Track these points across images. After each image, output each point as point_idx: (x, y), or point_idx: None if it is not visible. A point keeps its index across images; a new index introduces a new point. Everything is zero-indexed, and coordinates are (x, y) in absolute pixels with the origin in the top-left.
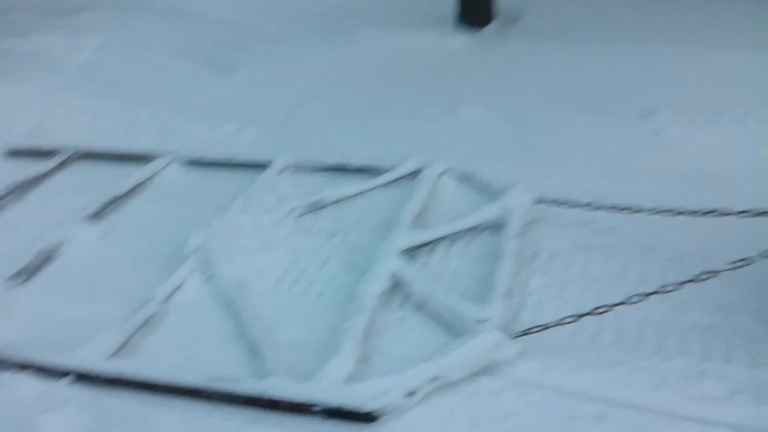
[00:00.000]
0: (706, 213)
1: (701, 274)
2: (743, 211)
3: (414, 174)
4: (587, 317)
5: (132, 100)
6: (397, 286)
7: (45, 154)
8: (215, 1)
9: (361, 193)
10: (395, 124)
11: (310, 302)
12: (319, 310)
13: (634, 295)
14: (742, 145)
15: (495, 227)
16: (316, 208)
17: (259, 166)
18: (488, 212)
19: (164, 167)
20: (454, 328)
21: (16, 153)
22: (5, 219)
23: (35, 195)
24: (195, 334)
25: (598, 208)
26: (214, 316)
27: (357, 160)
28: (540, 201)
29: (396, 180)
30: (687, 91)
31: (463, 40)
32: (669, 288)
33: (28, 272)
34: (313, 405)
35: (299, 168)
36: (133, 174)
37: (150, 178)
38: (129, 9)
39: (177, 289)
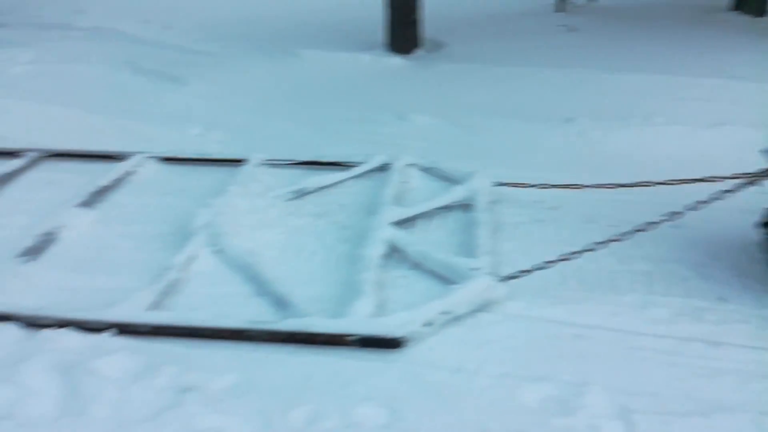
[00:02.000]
0: (635, 184)
1: (644, 224)
2: (663, 183)
3: (382, 167)
4: (555, 267)
5: (84, 107)
6: (392, 250)
7: (7, 154)
8: (138, 24)
9: (337, 183)
10: (352, 128)
11: (316, 267)
12: (325, 273)
13: (598, 243)
14: (648, 140)
15: (463, 206)
16: (301, 194)
17: (235, 162)
18: (457, 193)
19: (141, 164)
20: (449, 280)
21: None
22: None
23: (11, 189)
24: (218, 294)
25: (549, 187)
26: (233, 281)
27: (325, 157)
28: (498, 184)
29: (367, 172)
30: (597, 102)
31: (398, 61)
32: (622, 238)
33: (34, 251)
34: (349, 335)
35: (274, 163)
36: (109, 170)
37: (129, 173)
38: (47, 28)
39: (191, 259)
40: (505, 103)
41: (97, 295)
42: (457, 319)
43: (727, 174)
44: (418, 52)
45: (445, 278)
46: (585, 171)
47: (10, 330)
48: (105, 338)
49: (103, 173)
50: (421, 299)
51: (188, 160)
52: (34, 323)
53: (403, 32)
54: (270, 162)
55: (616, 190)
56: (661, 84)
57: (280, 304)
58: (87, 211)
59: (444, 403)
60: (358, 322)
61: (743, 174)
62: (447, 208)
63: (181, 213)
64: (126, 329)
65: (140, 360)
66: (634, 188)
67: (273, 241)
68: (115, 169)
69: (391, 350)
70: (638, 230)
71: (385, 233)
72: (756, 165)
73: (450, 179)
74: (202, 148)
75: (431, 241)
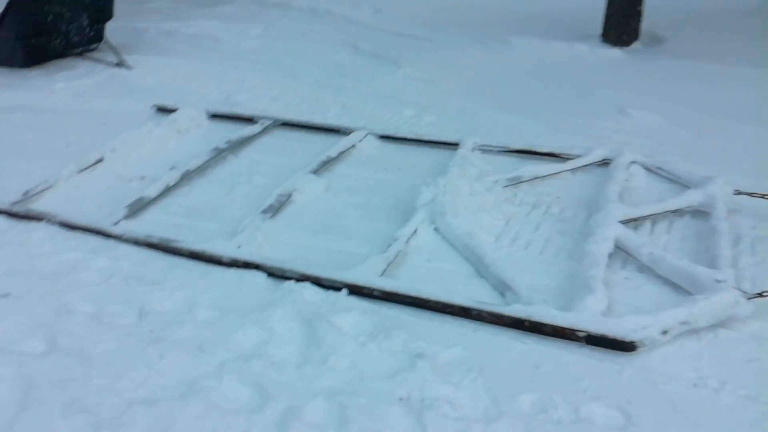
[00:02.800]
0: None
1: None
2: None
3: (602, 162)
4: None
5: (310, 82)
6: (618, 250)
7: (244, 120)
8: (350, 7)
9: (554, 174)
10: (567, 120)
11: (533, 257)
12: (543, 264)
13: None
14: None
15: (696, 212)
16: (516, 182)
17: (449, 145)
18: (692, 197)
19: (361, 139)
20: (683, 288)
21: (217, 116)
22: (231, 168)
23: (249, 152)
24: (440, 270)
25: None
26: (453, 259)
27: (540, 147)
28: (739, 193)
29: (585, 166)
30: None
31: (615, 54)
32: None
33: (273, 210)
34: (578, 331)
35: (487, 149)
36: (334, 143)
37: (352, 147)
38: (268, 6)
39: (414, 233)
40: (740, 105)
41: (330, 256)
42: (695, 331)
43: None
44: (636, 46)
45: (679, 286)
46: None
47: (258, 278)
48: (340, 296)
49: (329, 145)
50: (651, 305)
51: (405, 139)
52: (279, 274)
53: (624, 24)
54: (484, 147)
55: None
56: None
57: (501, 288)
58: (317, 179)
59: (683, 416)
60: (589, 318)
61: None
62: (678, 213)
63: (401, 189)
64: (359, 291)
65: (373, 321)
66: None
67: (490, 226)
68: (340, 143)
69: (622, 353)
70: None
71: (612, 231)
72: None
73: (680, 182)
74: (416, 129)
75: (662, 246)
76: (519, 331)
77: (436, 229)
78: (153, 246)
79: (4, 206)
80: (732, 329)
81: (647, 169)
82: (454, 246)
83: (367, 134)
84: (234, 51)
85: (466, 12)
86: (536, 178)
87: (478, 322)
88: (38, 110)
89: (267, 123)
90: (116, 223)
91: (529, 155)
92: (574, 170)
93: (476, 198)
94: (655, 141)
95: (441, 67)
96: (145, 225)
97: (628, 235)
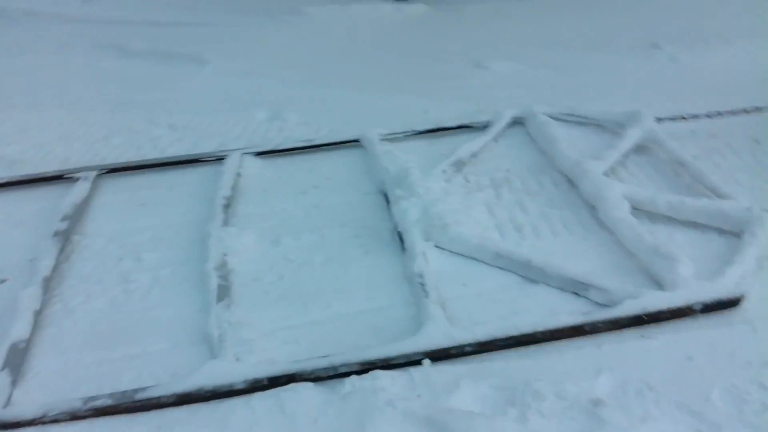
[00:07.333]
0: None
1: None
2: None
3: (517, 121)
4: None
5: (83, 109)
6: (633, 208)
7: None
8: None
9: (484, 147)
10: (434, 85)
11: (555, 242)
12: (573, 245)
13: None
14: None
15: (639, 148)
16: (459, 166)
17: (352, 144)
18: (634, 135)
19: (239, 163)
20: (711, 227)
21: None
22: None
23: (92, 232)
24: (486, 292)
25: (709, 117)
26: (487, 273)
27: (426, 124)
28: (660, 119)
29: (503, 130)
30: (681, 27)
31: (420, 8)
32: None
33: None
34: (693, 305)
35: (395, 137)
36: (215, 177)
37: (238, 177)
38: None
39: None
40: (577, 35)
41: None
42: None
43: None
44: None
45: (708, 226)
46: (697, 97)
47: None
48: (430, 371)
49: (203, 182)
50: (700, 253)
51: (293, 150)
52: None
53: None
54: (390, 137)
55: None
56: None
57: (572, 288)
58: (239, 233)
59: None
60: (694, 289)
61: None
62: (628, 152)
63: (344, 211)
64: (447, 354)
65: (489, 385)
66: None
67: (484, 222)
68: (222, 175)
69: (729, 309)
70: None
71: (614, 189)
72: None
73: (595, 123)
74: (290, 134)
75: (658, 189)
76: (636, 327)
77: (437, 247)
78: None
79: None
80: None
81: (563, 118)
82: (477, 259)
83: (242, 154)
84: None
85: None
86: (472, 156)
87: (594, 336)
88: None
89: (88, 176)
90: None
91: (439, 133)
92: (496, 138)
93: (455, 196)
94: (526, 88)
95: (250, 54)
96: None
97: (634, 190)
